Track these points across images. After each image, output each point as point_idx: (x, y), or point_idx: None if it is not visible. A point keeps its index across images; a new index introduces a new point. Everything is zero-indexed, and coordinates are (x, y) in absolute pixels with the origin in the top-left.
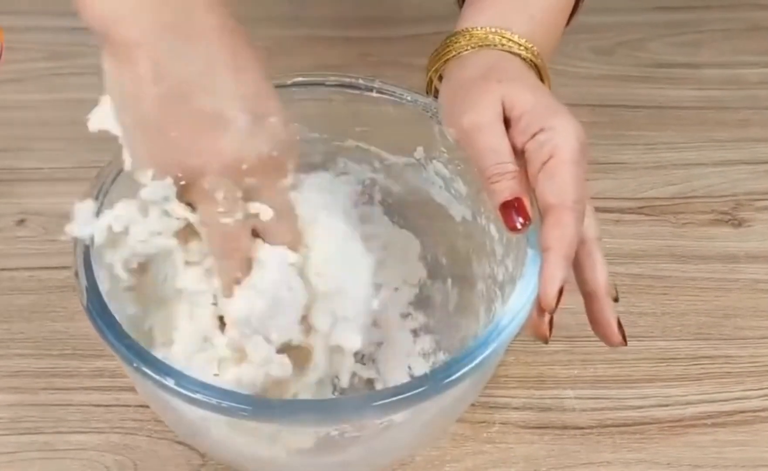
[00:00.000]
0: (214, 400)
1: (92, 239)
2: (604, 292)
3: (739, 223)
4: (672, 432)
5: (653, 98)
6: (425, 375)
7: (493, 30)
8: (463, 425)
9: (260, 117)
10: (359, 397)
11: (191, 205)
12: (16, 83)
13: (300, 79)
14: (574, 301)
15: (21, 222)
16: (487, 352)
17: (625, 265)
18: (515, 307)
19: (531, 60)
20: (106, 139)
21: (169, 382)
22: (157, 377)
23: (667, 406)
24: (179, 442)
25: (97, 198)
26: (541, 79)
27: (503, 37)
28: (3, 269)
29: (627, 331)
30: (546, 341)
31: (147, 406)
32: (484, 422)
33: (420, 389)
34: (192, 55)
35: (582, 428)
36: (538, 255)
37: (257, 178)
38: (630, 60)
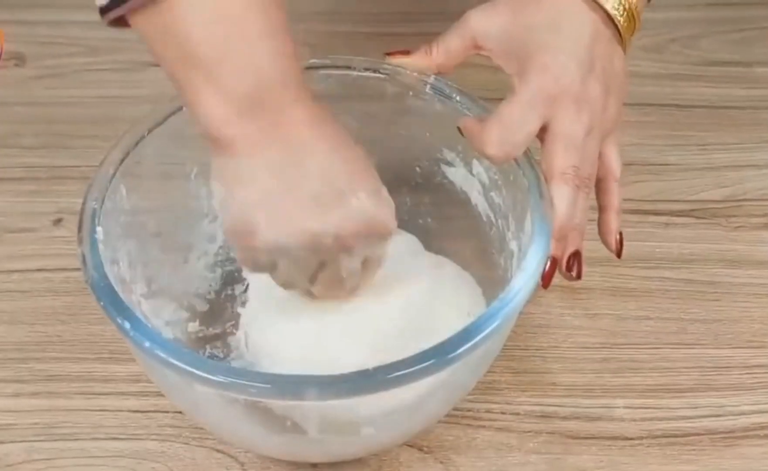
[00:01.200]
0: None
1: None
2: (614, 209)
3: None
4: (724, 443)
5: (705, 97)
6: (429, 350)
7: None
8: (510, 435)
9: (352, 192)
10: (367, 372)
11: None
12: (53, 79)
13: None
14: (621, 307)
15: (58, 221)
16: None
17: (675, 269)
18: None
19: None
20: None
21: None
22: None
23: (719, 416)
24: (218, 450)
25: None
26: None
27: None
28: (39, 270)
29: (678, 338)
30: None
31: (185, 413)
32: (530, 432)
33: (426, 363)
34: (287, 148)
35: (631, 439)
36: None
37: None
38: (681, 58)
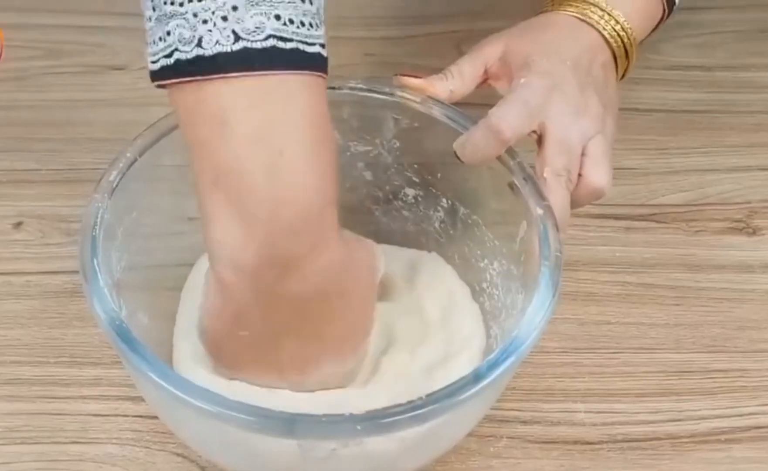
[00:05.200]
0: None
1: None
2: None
3: (753, 232)
4: (685, 448)
5: (665, 101)
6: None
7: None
8: (470, 439)
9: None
10: (364, 415)
11: None
12: (13, 82)
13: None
14: (582, 311)
15: (18, 225)
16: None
17: (636, 274)
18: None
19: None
20: (104, 140)
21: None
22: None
23: (679, 420)
24: (178, 454)
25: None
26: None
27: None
28: None
29: (639, 343)
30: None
31: (145, 417)
32: (491, 436)
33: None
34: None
35: (592, 443)
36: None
37: None
38: (641, 62)
